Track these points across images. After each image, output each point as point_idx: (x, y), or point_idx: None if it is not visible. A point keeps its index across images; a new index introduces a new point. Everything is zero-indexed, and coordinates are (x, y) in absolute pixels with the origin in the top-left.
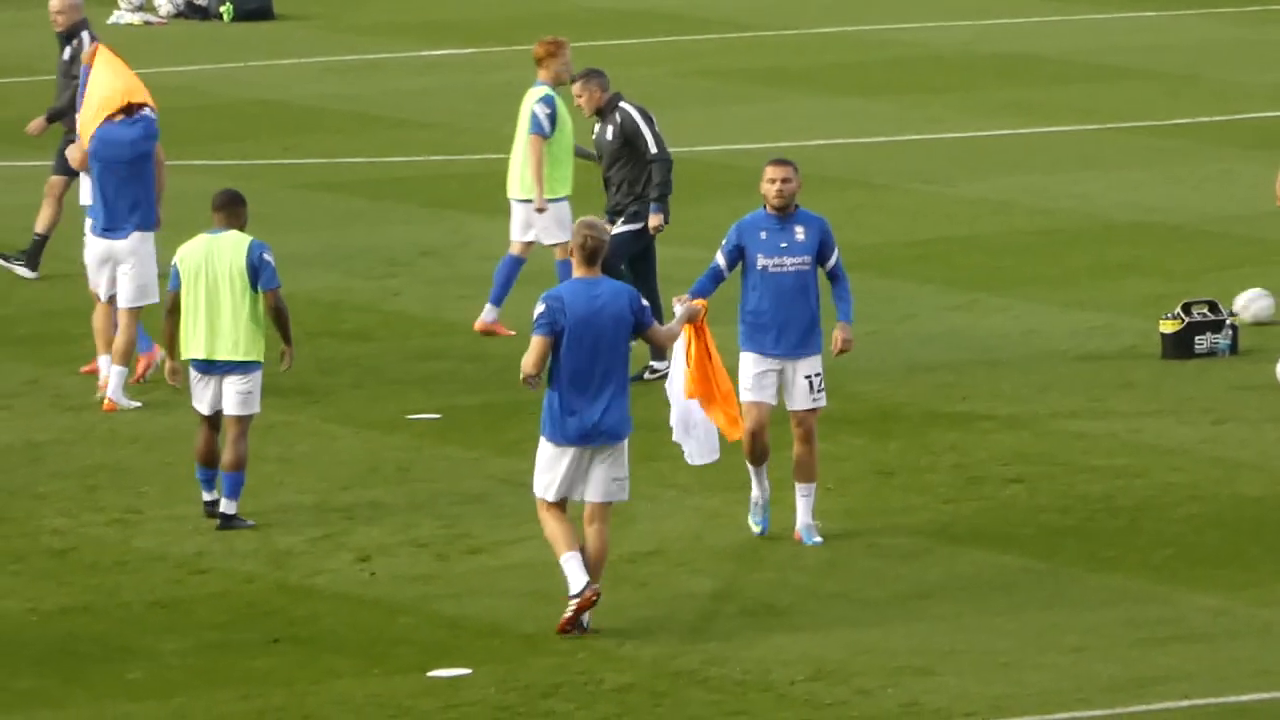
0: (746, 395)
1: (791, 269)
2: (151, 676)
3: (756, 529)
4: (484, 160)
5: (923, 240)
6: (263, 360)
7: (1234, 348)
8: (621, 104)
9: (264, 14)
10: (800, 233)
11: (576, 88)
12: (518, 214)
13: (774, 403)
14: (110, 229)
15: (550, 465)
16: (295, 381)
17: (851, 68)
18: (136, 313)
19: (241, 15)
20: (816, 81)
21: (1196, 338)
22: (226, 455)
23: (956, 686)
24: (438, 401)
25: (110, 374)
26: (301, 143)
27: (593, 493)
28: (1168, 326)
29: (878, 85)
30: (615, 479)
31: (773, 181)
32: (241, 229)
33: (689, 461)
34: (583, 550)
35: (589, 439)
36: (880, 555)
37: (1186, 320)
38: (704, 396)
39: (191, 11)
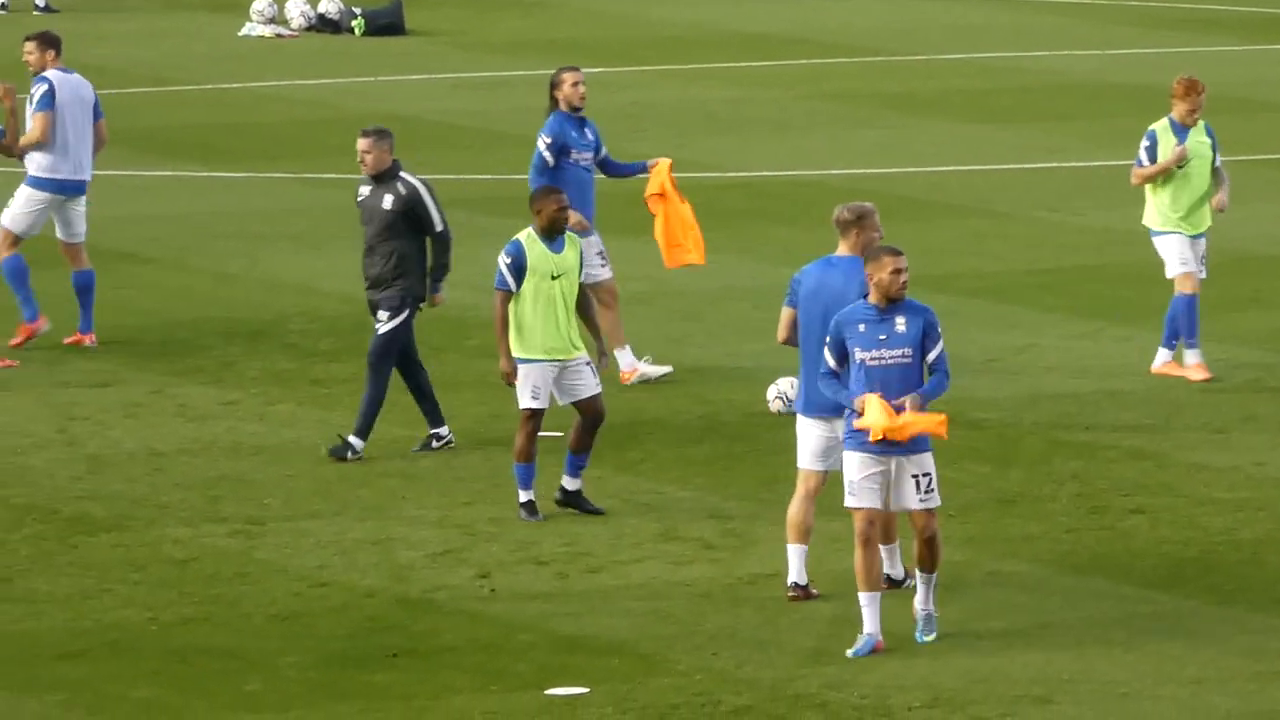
0: (850, 500)
1: (892, 362)
2: (270, 689)
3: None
4: (608, 180)
5: (1046, 269)
6: (523, 356)
7: None
8: (403, 174)
9: (395, 29)
10: (901, 324)
11: (365, 144)
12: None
13: (881, 507)
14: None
15: (802, 435)
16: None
17: (979, 94)
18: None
19: (373, 30)
20: (943, 107)
21: None
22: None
23: (1074, 716)
24: (561, 419)
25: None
26: (430, 158)
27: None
28: None
29: (1005, 112)
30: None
31: (897, 272)
32: (537, 226)
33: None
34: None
35: (815, 410)
36: (1000, 583)
37: None
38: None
39: (323, 25)
